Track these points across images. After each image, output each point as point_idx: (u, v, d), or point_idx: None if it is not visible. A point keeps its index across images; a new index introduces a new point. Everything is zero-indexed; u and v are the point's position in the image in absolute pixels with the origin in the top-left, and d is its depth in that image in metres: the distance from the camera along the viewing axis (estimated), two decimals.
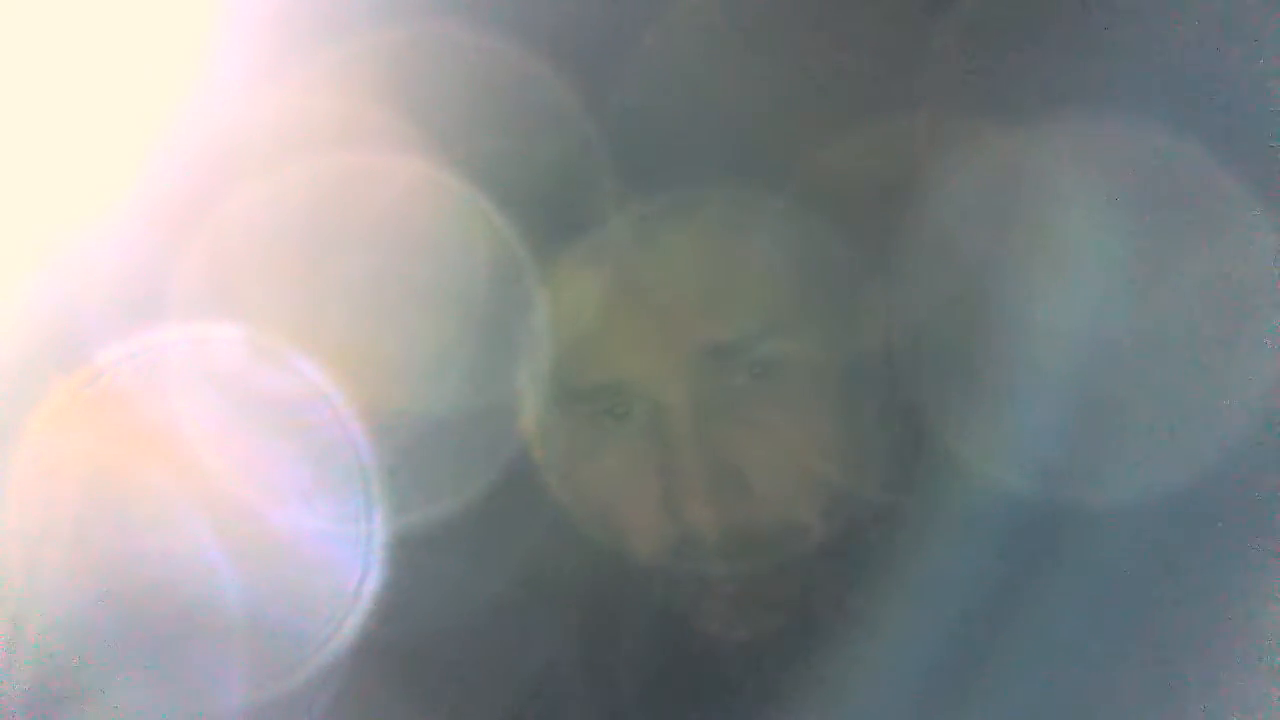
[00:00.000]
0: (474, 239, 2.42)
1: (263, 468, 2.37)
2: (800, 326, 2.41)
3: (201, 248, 2.39)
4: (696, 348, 2.37)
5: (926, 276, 2.43)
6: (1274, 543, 2.39)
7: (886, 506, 2.41)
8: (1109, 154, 2.44)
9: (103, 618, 2.32)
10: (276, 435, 2.38)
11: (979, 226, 2.44)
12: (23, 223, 2.38)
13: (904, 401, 2.44)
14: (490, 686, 2.43)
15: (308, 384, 2.37)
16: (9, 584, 2.33)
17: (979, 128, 2.45)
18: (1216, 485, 2.40)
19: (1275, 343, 2.44)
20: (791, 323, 2.41)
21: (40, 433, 2.35)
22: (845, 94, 2.46)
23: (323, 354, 2.37)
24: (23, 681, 2.32)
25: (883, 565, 2.38)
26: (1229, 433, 2.42)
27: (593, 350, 2.40)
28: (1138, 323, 2.45)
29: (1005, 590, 2.36)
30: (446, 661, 2.41)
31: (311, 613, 2.35)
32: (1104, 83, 2.46)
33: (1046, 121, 2.44)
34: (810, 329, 2.42)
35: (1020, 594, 2.37)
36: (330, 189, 2.41)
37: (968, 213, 2.44)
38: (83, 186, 2.39)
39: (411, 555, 2.38)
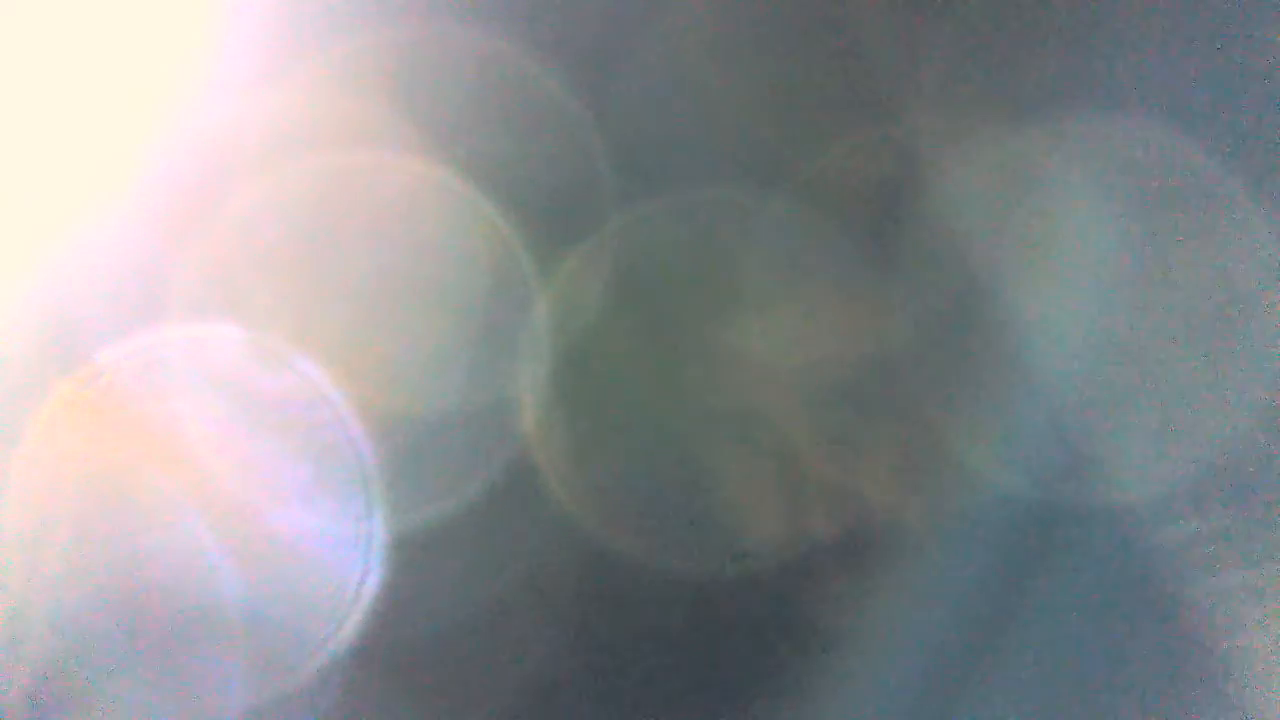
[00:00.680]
0: (474, 239, 2.42)
1: (263, 468, 2.37)
2: (804, 331, 2.41)
3: (202, 249, 2.39)
4: (702, 353, 2.38)
5: (929, 278, 2.43)
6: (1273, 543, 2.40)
7: (898, 509, 2.41)
8: (1112, 157, 2.44)
9: (104, 619, 2.32)
10: (277, 436, 2.38)
11: (982, 228, 2.45)
12: (24, 225, 2.38)
13: (910, 404, 2.44)
14: (491, 686, 2.43)
15: (309, 384, 2.37)
16: (11, 585, 2.33)
17: (979, 130, 2.46)
18: (1218, 486, 2.40)
19: (1276, 344, 2.44)
20: (794, 327, 2.41)
21: (41, 433, 2.35)
22: (845, 97, 2.47)
23: (324, 354, 2.37)
24: (25, 682, 2.32)
25: (895, 569, 2.39)
26: (1230, 433, 2.42)
27: (592, 353, 2.40)
28: (1140, 324, 2.45)
29: (1017, 590, 2.37)
30: (448, 661, 2.41)
31: (312, 613, 2.35)
32: (1105, 85, 2.46)
33: (1048, 125, 2.44)
34: (814, 333, 2.42)
35: (1028, 594, 2.38)
36: (331, 190, 2.41)
37: (970, 215, 2.45)
38: (83, 189, 2.39)
39: (412, 556, 2.38)
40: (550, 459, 2.44)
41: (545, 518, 2.42)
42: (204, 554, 2.34)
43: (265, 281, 2.41)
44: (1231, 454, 2.42)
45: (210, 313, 2.39)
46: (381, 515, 2.38)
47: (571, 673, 2.44)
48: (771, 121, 2.47)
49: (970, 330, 2.45)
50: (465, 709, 2.43)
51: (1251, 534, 2.39)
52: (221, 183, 2.40)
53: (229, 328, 2.39)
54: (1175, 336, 2.46)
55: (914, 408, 2.45)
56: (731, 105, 2.47)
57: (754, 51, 2.48)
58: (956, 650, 2.41)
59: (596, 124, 2.43)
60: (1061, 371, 2.45)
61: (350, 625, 2.36)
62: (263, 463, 2.37)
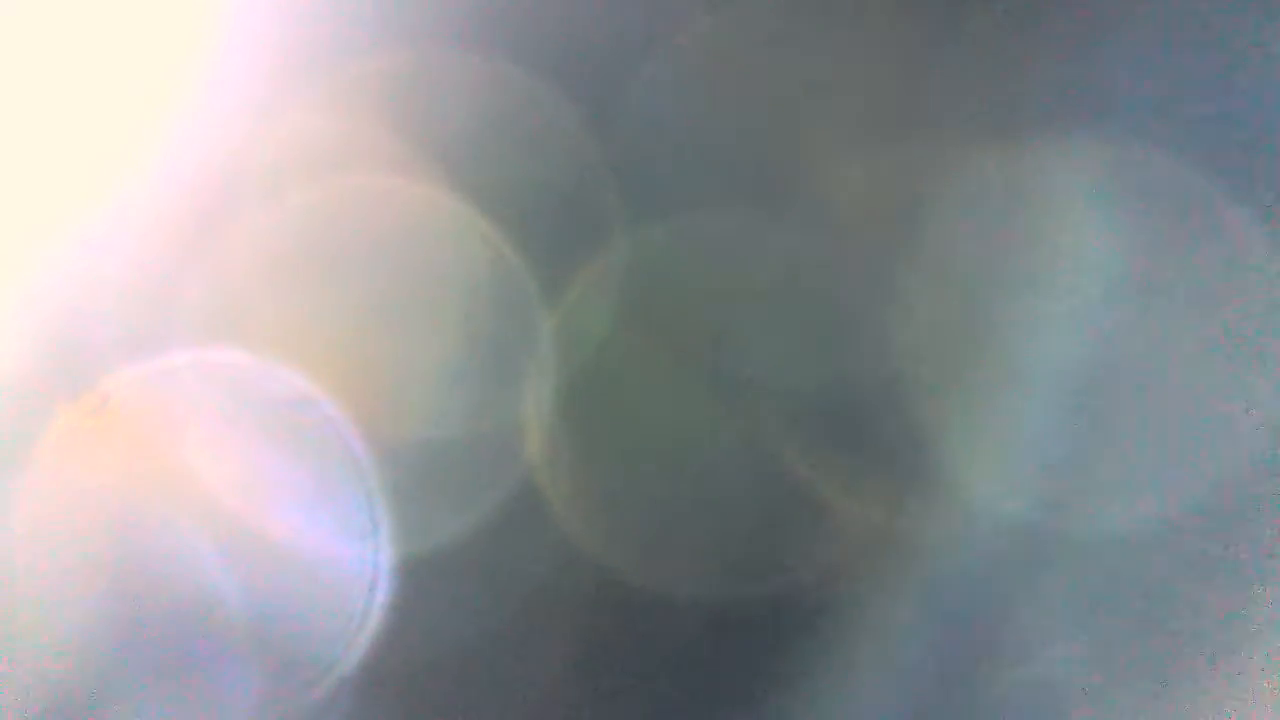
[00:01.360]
0: (481, 263, 2.43)
1: (269, 492, 2.37)
2: (813, 353, 2.42)
3: (208, 273, 2.40)
4: (709, 375, 2.39)
5: (938, 298, 2.44)
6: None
7: (906, 531, 2.43)
8: (1118, 178, 2.45)
9: (109, 643, 2.33)
10: (283, 459, 2.39)
11: (988, 249, 2.45)
12: (28, 248, 2.38)
13: (909, 424, 2.46)
14: (497, 710, 2.44)
15: (316, 408, 2.38)
16: (19, 605, 2.34)
17: (987, 150, 2.46)
18: (1220, 504, 2.42)
19: (1276, 360, 2.46)
20: (802, 348, 2.42)
21: (48, 456, 2.36)
22: (853, 117, 2.47)
23: (331, 378, 2.38)
24: (32, 701, 2.33)
25: (900, 590, 2.40)
26: (1232, 450, 2.44)
27: (599, 376, 2.41)
28: (1143, 341, 2.46)
29: (1015, 611, 2.39)
30: (453, 684, 2.43)
31: (318, 635, 2.36)
32: (1113, 105, 2.47)
33: (1056, 146, 2.45)
34: (822, 354, 2.43)
35: (1026, 614, 2.40)
36: (338, 214, 2.42)
37: (976, 236, 2.46)
38: (89, 212, 2.40)
39: (418, 579, 2.39)
40: (556, 482, 2.45)
41: (551, 541, 2.44)
42: (211, 577, 2.35)
43: (271, 305, 2.42)
44: (1236, 472, 2.44)
45: (217, 337, 2.40)
46: (388, 539, 2.39)
47: (577, 695, 2.45)
48: (777, 144, 2.47)
49: (980, 350, 2.47)
50: None
51: (1254, 554, 2.41)
52: (227, 207, 2.40)
53: (235, 352, 2.40)
54: (1177, 354, 2.48)
55: (924, 428, 2.46)
56: (738, 127, 2.48)
57: (759, 75, 2.49)
58: (953, 672, 2.43)
59: (603, 147, 2.43)
60: (1066, 391, 2.47)
61: (356, 648, 2.37)
62: (269, 486, 2.38)
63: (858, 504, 2.46)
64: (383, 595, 2.39)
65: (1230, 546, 2.44)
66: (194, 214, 2.41)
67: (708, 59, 2.48)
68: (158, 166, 2.43)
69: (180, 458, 2.37)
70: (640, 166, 2.44)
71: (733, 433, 2.42)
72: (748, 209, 2.47)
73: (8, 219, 2.40)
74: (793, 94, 2.50)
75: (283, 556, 2.37)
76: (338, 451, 2.39)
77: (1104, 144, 2.49)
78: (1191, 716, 2.40)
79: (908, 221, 2.49)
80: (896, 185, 2.50)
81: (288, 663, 2.36)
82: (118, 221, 2.41)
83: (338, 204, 2.44)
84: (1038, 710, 2.42)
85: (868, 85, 2.50)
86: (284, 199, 2.42)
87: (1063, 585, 2.44)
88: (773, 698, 2.43)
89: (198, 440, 2.37)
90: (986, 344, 2.49)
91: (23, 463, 2.34)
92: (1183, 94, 2.50)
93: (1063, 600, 2.44)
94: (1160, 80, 2.50)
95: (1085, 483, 2.46)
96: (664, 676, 2.45)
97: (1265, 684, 2.40)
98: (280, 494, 2.39)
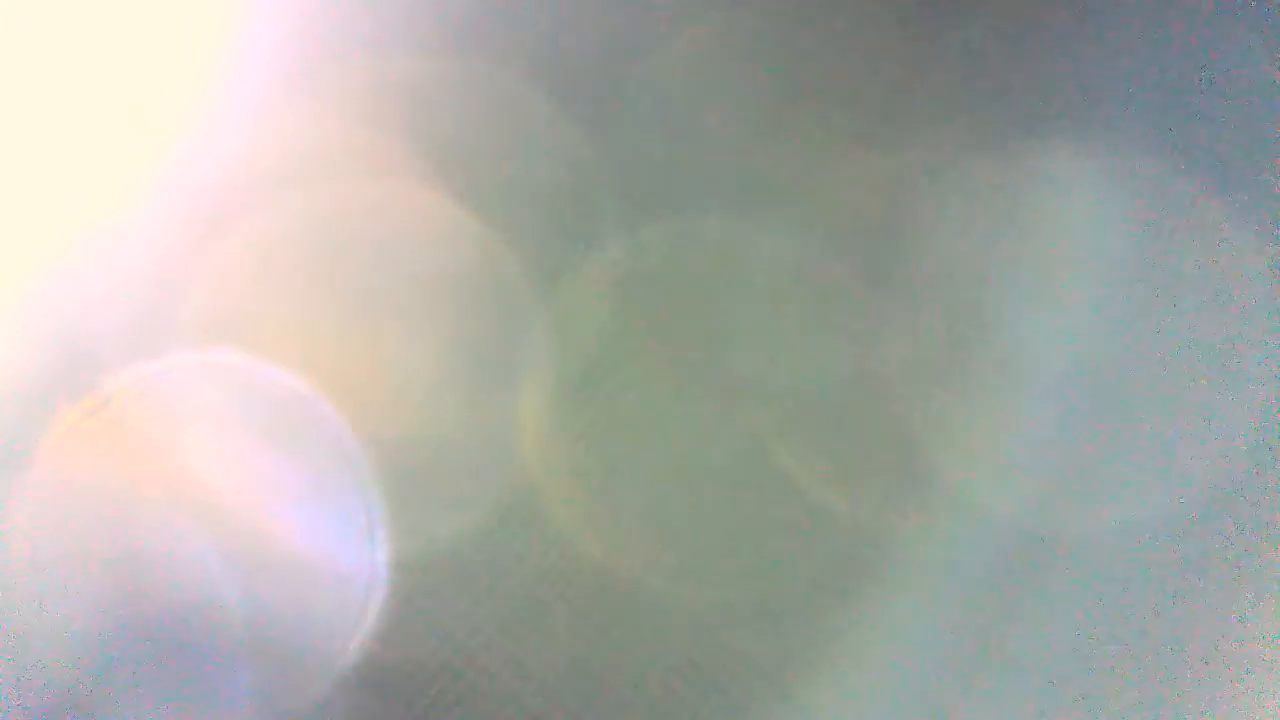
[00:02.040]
0: (479, 266, 2.44)
1: (268, 493, 2.38)
2: (807, 356, 2.43)
3: (209, 276, 2.41)
4: (705, 377, 2.39)
5: (932, 303, 2.45)
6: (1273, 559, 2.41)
7: (904, 536, 2.43)
8: (1113, 182, 2.46)
9: (108, 644, 2.34)
10: (283, 460, 2.39)
11: (983, 254, 2.46)
12: (30, 250, 2.40)
13: (905, 425, 2.46)
14: (493, 712, 2.44)
15: (315, 410, 2.39)
16: (19, 605, 2.34)
17: (982, 156, 2.47)
18: (1217, 507, 2.42)
19: (1274, 365, 2.46)
20: (797, 352, 2.42)
21: (48, 456, 2.37)
22: (846, 122, 2.49)
23: (331, 381, 2.39)
24: (33, 701, 2.33)
25: (898, 595, 2.40)
26: (1228, 451, 2.44)
27: (594, 378, 2.41)
28: (1139, 345, 2.46)
29: (1012, 615, 2.39)
30: (450, 685, 2.43)
31: (317, 636, 2.37)
32: (1106, 103, 2.48)
33: (1050, 150, 2.46)
34: (816, 358, 2.43)
35: (1024, 619, 2.40)
36: (338, 218, 2.43)
37: (970, 240, 2.46)
38: (92, 215, 2.41)
39: (416, 580, 2.39)
40: (553, 482, 2.45)
41: (548, 540, 2.44)
42: (210, 577, 2.36)
43: (271, 307, 2.43)
44: (1232, 474, 2.44)
45: (217, 337, 2.41)
46: (386, 539, 2.40)
47: (577, 695, 2.45)
48: (771, 148, 2.49)
49: (975, 355, 2.47)
50: None
51: (1252, 555, 2.41)
52: (228, 210, 2.42)
53: (235, 353, 2.41)
54: (1174, 358, 2.48)
55: (917, 433, 2.47)
56: (733, 129, 2.49)
57: (754, 77, 2.50)
58: (951, 676, 2.43)
59: (598, 151, 2.45)
60: (1064, 392, 2.47)
61: (354, 647, 2.38)
62: (268, 486, 2.39)
63: (853, 504, 2.46)
64: (381, 595, 2.39)
65: (1229, 546, 2.44)
66: (194, 216, 2.43)
67: (703, 62, 2.49)
68: (158, 170, 2.44)
69: (180, 458, 2.38)
70: (636, 169, 2.46)
71: (729, 433, 2.42)
72: (743, 211, 2.48)
73: (10, 220, 2.42)
74: (788, 95, 2.51)
75: (282, 556, 2.38)
76: (337, 452, 2.40)
77: (1100, 145, 2.50)
78: (1191, 716, 2.40)
79: (903, 223, 2.50)
80: (892, 186, 2.50)
81: (286, 662, 2.36)
82: (119, 223, 2.43)
83: (337, 207, 2.45)
84: (1037, 710, 2.42)
85: (863, 86, 2.51)
86: (284, 202, 2.44)
87: (1062, 586, 2.44)
88: (772, 698, 2.43)
89: (197, 440, 2.39)
90: (981, 345, 2.50)
91: (23, 463, 2.35)
92: (1179, 94, 2.51)
93: (1061, 600, 2.44)
94: (1156, 81, 2.50)
95: (1083, 483, 2.47)
96: (661, 678, 2.45)
97: (1265, 684, 2.40)
98: (279, 494, 2.40)
